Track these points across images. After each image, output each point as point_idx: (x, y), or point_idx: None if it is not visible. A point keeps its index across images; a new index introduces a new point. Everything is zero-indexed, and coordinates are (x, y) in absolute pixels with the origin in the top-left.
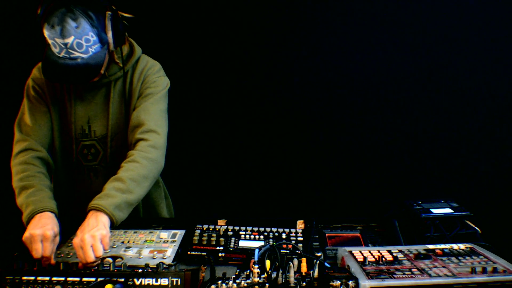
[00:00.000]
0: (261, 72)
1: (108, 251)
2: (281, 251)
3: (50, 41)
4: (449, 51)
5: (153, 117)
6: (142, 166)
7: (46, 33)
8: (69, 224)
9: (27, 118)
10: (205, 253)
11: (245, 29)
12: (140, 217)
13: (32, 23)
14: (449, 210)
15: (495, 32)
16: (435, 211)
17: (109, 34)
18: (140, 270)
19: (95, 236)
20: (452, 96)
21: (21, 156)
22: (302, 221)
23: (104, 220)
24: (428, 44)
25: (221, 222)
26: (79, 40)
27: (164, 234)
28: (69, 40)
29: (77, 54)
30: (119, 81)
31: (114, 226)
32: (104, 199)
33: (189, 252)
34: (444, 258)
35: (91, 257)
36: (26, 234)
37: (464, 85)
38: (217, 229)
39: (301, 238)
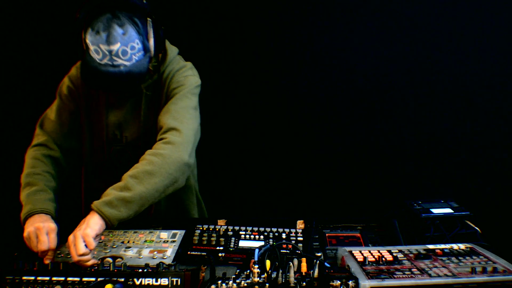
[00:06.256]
0: (261, 72)
1: (96, 250)
2: (281, 251)
3: (92, 47)
4: (448, 52)
5: (172, 115)
6: (148, 162)
7: (89, 38)
8: None
9: (52, 114)
10: (205, 253)
11: (248, 28)
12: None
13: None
14: (449, 210)
15: (495, 32)
16: (435, 211)
17: (151, 42)
18: (140, 270)
19: (76, 235)
20: (452, 96)
21: (34, 151)
22: (302, 221)
23: (92, 219)
24: (428, 45)
25: (221, 222)
26: (125, 47)
27: (164, 234)
28: (115, 47)
29: (120, 61)
30: (149, 87)
31: (110, 224)
32: (101, 198)
33: (189, 252)
34: (444, 258)
35: (74, 256)
36: (31, 228)
37: (464, 86)
38: (217, 229)
39: (301, 238)
